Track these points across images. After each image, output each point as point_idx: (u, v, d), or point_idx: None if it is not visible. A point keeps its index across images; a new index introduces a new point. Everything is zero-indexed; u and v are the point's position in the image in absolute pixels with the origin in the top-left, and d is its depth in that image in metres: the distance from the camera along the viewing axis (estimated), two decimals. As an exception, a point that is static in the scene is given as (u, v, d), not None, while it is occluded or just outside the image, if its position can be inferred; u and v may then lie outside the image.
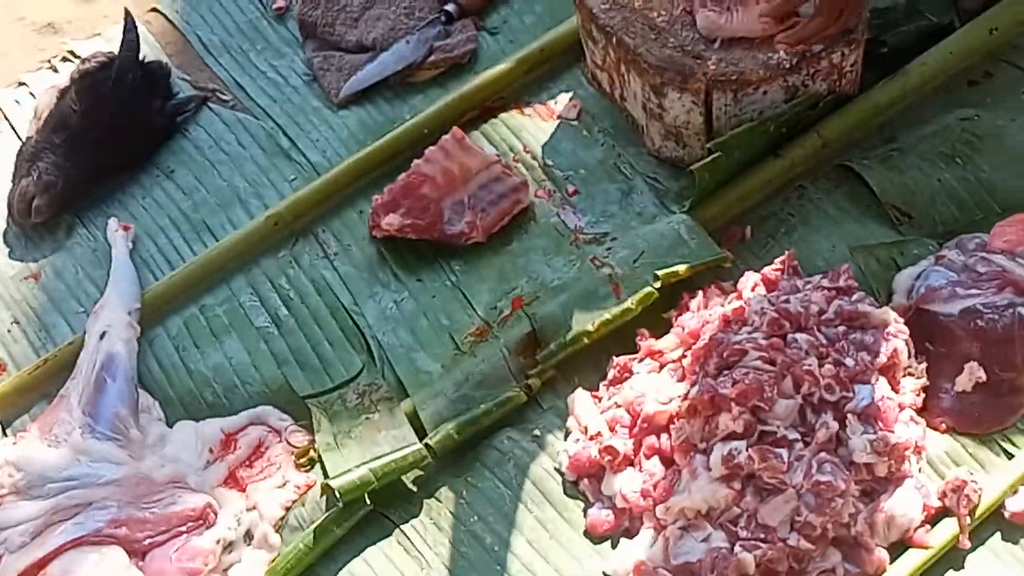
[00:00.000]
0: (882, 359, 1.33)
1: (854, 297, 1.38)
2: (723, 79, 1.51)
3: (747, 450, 1.27)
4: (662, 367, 1.40)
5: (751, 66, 1.51)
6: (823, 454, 1.27)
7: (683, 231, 1.52)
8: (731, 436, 1.28)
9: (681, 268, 1.47)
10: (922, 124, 1.62)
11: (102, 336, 1.50)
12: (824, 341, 1.34)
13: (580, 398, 1.42)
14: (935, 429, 1.35)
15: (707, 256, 1.48)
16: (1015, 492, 1.30)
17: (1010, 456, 1.33)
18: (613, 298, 1.48)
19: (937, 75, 1.65)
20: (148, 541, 1.35)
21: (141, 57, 1.80)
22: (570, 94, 1.74)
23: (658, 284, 1.47)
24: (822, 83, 1.55)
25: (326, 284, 1.60)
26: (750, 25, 1.50)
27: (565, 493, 1.37)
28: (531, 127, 1.72)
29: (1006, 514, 1.29)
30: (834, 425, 1.29)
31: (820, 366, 1.31)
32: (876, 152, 1.60)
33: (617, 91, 1.65)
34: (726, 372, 1.32)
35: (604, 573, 1.31)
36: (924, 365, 1.37)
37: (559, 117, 1.72)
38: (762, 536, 1.25)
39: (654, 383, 1.37)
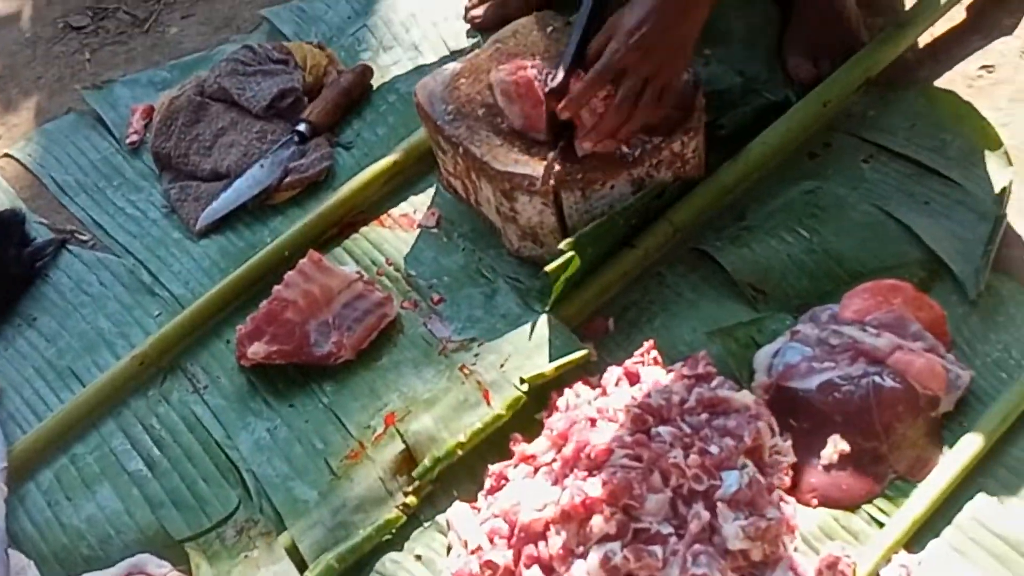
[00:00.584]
0: (746, 442, 1.35)
1: (714, 383, 1.41)
2: (568, 179, 1.54)
3: (622, 551, 1.28)
4: (536, 471, 1.41)
5: (595, 163, 1.54)
6: (697, 546, 1.28)
7: (546, 330, 1.54)
8: (606, 538, 1.29)
9: (547, 369, 1.48)
10: (769, 200, 1.66)
11: (-33, 498, 1.46)
12: (688, 431, 1.36)
13: (459, 511, 1.42)
14: (806, 505, 1.37)
15: (571, 353, 1.50)
16: (888, 561, 1.32)
17: (880, 525, 1.35)
18: (484, 405, 1.49)
19: (778, 151, 1.69)
20: None
21: (-8, 205, 1.78)
22: (428, 202, 1.76)
23: (525, 387, 1.48)
24: (667, 171, 1.59)
25: (197, 420, 1.59)
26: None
27: (451, 611, 1.37)
28: (392, 239, 1.73)
29: (882, 583, 1.31)
30: (705, 515, 1.30)
31: (686, 457, 1.33)
32: (727, 232, 1.64)
33: (472, 196, 1.67)
34: (595, 472, 1.33)
35: None
36: (789, 443, 1.39)
37: (419, 226, 1.74)
38: (646, 636, 1.26)
39: (529, 489, 1.38)
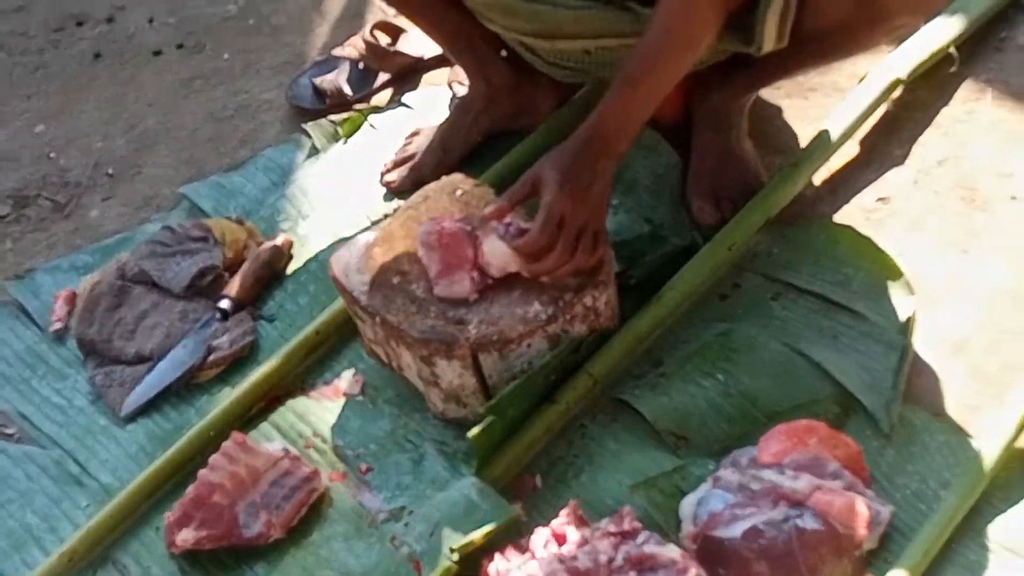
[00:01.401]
0: (675, 598, 1.37)
1: (639, 539, 1.42)
2: (485, 341, 1.57)
3: None
4: (471, 643, 1.41)
5: (510, 323, 1.57)
6: None
7: (474, 495, 1.54)
8: None
9: (476, 536, 1.49)
10: (683, 345, 1.70)
11: None
12: (616, 590, 1.37)
13: None
14: (740, 656, 1.39)
15: (500, 518, 1.51)
16: None
17: (813, 668, 1.36)
18: (416, 577, 1.49)
19: (689, 296, 1.74)
20: None
21: (-86, 408, 1.77)
22: (352, 370, 1.78)
23: (456, 556, 1.48)
24: (581, 325, 1.63)
25: (130, 614, 1.57)
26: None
27: None
28: (318, 410, 1.74)
29: None
30: (639, 676, 1.31)
31: (615, 618, 1.34)
32: (646, 379, 1.67)
33: (394, 362, 1.70)
34: (528, 641, 1.33)
35: None
36: (719, 594, 1.41)
37: (344, 394, 1.75)
38: None
39: (464, 663, 1.38)
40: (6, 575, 1.65)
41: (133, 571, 1.62)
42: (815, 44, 1.69)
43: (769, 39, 1.64)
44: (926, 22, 1.66)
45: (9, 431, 1.83)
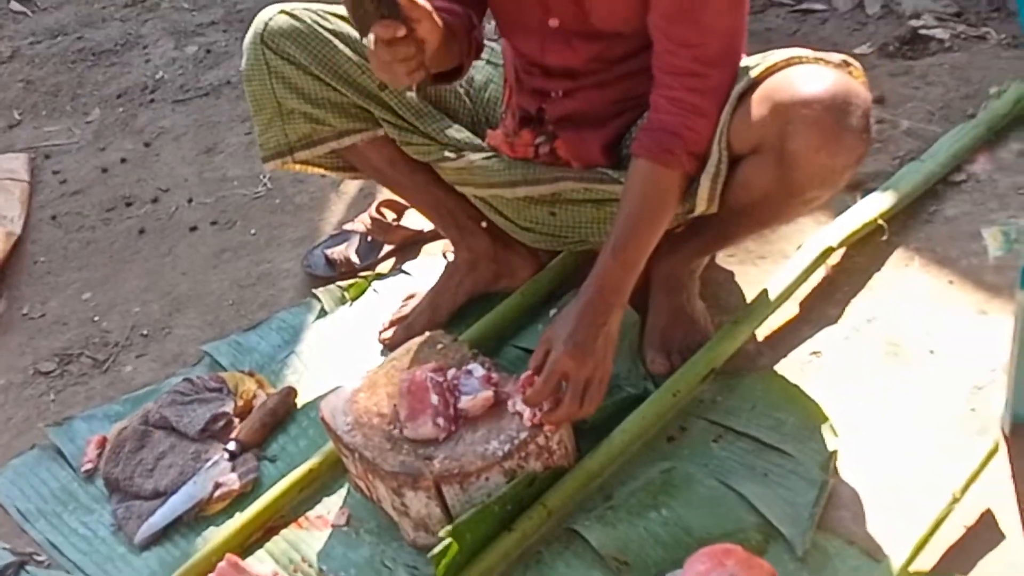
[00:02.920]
0: None
1: (573, 646, 1.61)
2: (447, 475, 1.79)
3: None
4: None
5: (470, 459, 1.80)
6: None
7: (438, 616, 1.75)
8: None
9: (437, 650, 1.68)
10: (631, 480, 1.91)
11: None
12: None
13: None
14: None
15: (457, 632, 1.70)
16: None
17: None
18: None
19: (638, 437, 1.95)
20: None
21: (-42, 536, 2.02)
22: (340, 503, 2.00)
23: (417, 667, 1.67)
24: (535, 462, 1.84)
25: None
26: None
27: None
28: (307, 539, 1.96)
29: None
30: None
31: None
32: (595, 512, 1.87)
33: (373, 494, 1.92)
34: None
35: None
36: None
37: (332, 525, 1.97)
38: None
39: None
40: None
41: None
42: (745, 215, 1.94)
43: (702, 201, 1.90)
44: (832, 194, 1.90)
45: (40, 558, 2.06)
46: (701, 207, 1.93)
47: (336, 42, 2.06)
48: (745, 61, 1.88)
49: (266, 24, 2.05)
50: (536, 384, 1.82)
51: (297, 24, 2.05)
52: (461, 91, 2.19)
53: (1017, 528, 1.71)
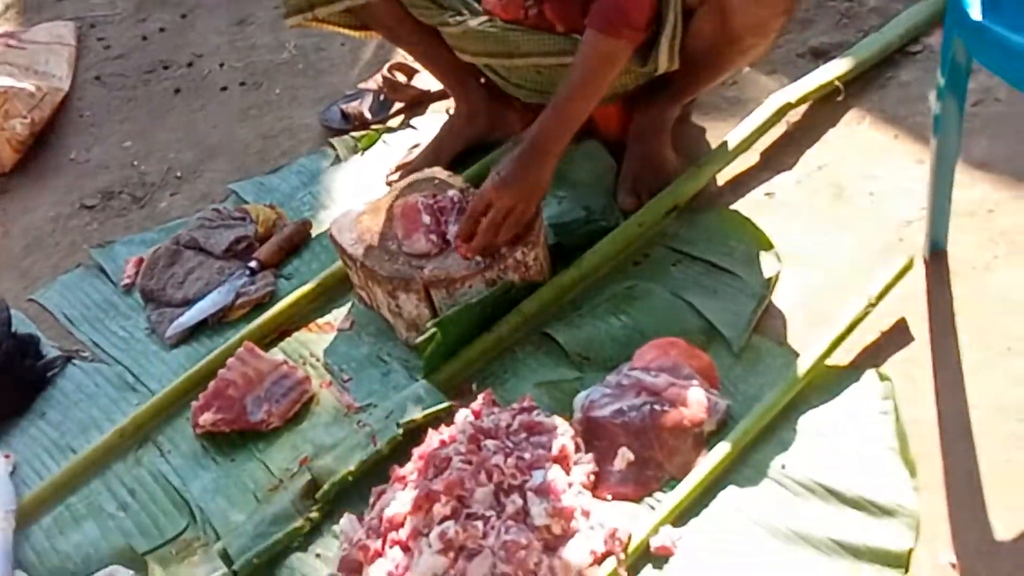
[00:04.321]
0: (554, 452, 1.83)
1: (534, 413, 1.90)
2: (435, 280, 2.07)
3: (455, 527, 1.74)
4: (405, 486, 1.88)
5: (456, 268, 2.08)
6: (510, 522, 1.75)
7: (422, 391, 2.03)
8: (444, 519, 1.76)
9: (418, 416, 1.98)
10: (598, 295, 2.18)
11: (-17, 529, 1.96)
12: (510, 445, 1.84)
13: (347, 520, 1.89)
14: (602, 499, 1.84)
15: (437, 404, 1.99)
16: (656, 532, 1.77)
17: (652, 508, 1.81)
18: (372, 446, 1.97)
19: (606, 260, 2.22)
20: (20, 671, 1.77)
21: (13, 330, 2.33)
22: (345, 311, 2.29)
23: (401, 431, 1.97)
24: (513, 274, 2.12)
25: (161, 474, 2.08)
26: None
27: (338, 588, 1.82)
28: (316, 340, 2.25)
29: (652, 549, 1.76)
30: (519, 501, 1.77)
31: (505, 460, 1.81)
32: (565, 318, 2.15)
33: (372, 302, 2.21)
34: (440, 476, 1.81)
35: (365, 638, 1.74)
36: (591, 456, 1.87)
37: (337, 329, 2.26)
38: (470, 588, 1.71)
39: (397, 496, 1.85)
40: (75, 450, 2.18)
41: (166, 446, 2.13)
42: (699, 66, 2.20)
43: (663, 61, 2.15)
44: (773, 42, 2.15)
45: (84, 354, 2.37)
46: (664, 65, 2.18)
47: (355, -93, 2.30)
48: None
49: None
50: (464, 217, 2.08)
51: None
52: (463, -45, 2.44)
53: (925, 334, 1.97)
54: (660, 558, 1.75)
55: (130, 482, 2.09)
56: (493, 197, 2.06)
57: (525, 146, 2.10)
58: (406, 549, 1.78)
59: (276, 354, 2.23)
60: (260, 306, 2.35)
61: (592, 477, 1.86)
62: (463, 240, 2.09)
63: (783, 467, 1.82)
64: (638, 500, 1.84)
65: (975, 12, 1.68)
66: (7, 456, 2.16)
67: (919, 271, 2.06)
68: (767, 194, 2.32)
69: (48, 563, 1.99)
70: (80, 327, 2.44)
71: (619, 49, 2.09)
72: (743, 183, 2.36)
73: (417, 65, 2.75)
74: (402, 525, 1.81)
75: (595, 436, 1.90)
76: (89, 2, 3.56)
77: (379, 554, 1.80)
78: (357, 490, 1.94)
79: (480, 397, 1.95)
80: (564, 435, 1.86)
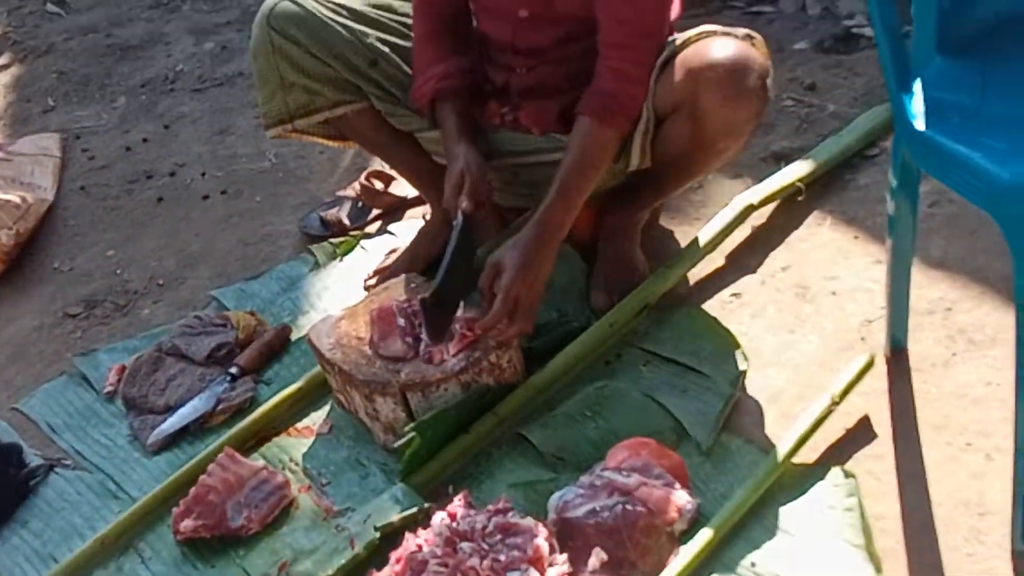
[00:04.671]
0: (529, 553, 1.86)
1: (509, 514, 1.93)
2: (411, 383, 2.13)
3: (431, 629, 1.77)
4: (383, 590, 1.91)
5: (431, 371, 2.14)
6: (486, 623, 1.78)
7: (399, 494, 2.07)
8: (421, 622, 1.79)
9: (395, 519, 2.01)
10: (571, 395, 2.23)
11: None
12: (485, 547, 1.88)
13: (326, 625, 1.92)
14: (577, 600, 1.87)
15: (414, 507, 2.03)
16: (631, 631, 1.80)
17: (627, 607, 1.85)
18: (350, 549, 2.01)
19: (579, 360, 2.28)
20: None
21: (-1, 440, 2.37)
22: (323, 415, 2.34)
23: (378, 534, 2.00)
24: (488, 377, 2.18)
25: (142, 581, 2.11)
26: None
27: None
28: (296, 444, 2.29)
29: (627, 648, 1.79)
30: (495, 603, 1.81)
31: (481, 562, 1.84)
32: (540, 419, 2.19)
33: (350, 406, 2.26)
34: (416, 578, 1.84)
35: None
36: (565, 556, 1.90)
37: (316, 433, 2.31)
38: None
39: (374, 600, 1.88)
40: (56, 559, 2.20)
41: (147, 553, 2.16)
42: (672, 167, 2.28)
43: (635, 156, 2.25)
44: (744, 144, 2.24)
45: (67, 462, 2.40)
46: (635, 162, 2.28)
47: (333, 24, 2.39)
48: (670, 37, 2.22)
49: (272, 8, 2.39)
50: (495, 308, 2.13)
51: (299, 9, 2.39)
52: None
53: (888, 430, 2.03)
54: (636, 658, 1.78)
55: (110, 589, 2.11)
56: (522, 290, 2.13)
57: (531, 234, 2.16)
58: (383, 652, 1.81)
59: (256, 459, 2.27)
60: (241, 411, 2.39)
61: (566, 577, 1.89)
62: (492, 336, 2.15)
63: (753, 564, 1.86)
64: (612, 599, 1.87)
65: (919, 123, 1.77)
66: (-12, 565, 2.18)
67: (880, 368, 2.13)
68: (733, 295, 2.39)
69: (28, 673, 2.00)
70: (63, 435, 2.47)
71: (611, 137, 2.19)
72: (710, 284, 2.44)
73: (394, 173, 2.83)
74: (379, 628, 1.83)
75: (569, 537, 1.94)
76: (74, 114, 3.65)
77: (357, 658, 1.83)
78: (335, 591, 1.97)
79: (456, 499, 1.99)
80: (539, 536, 1.90)
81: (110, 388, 2.53)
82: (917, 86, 1.81)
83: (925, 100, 1.78)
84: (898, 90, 1.78)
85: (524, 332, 2.17)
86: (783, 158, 2.69)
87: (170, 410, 2.41)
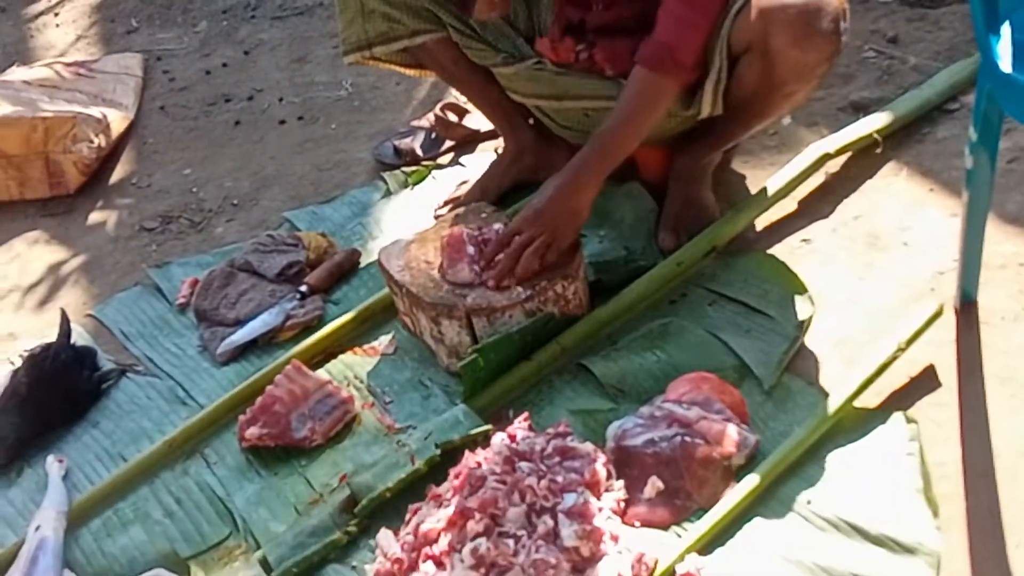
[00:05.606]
0: (586, 476, 1.89)
1: (568, 439, 1.96)
2: (477, 308, 2.15)
3: (487, 544, 1.81)
4: (440, 504, 1.95)
5: (497, 298, 2.16)
6: (541, 542, 1.81)
7: (460, 415, 2.10)
8: (476, 536, 1.82)
9: (456, 438, 2.05)
10: (634, 330, 2.24)
11: (37, 528, 2.04)
12: (544, 468, 1.91)
13: (384, 535, 1.95)
14: (631, 526, 1.89)
15: (475, 428, 2.06)
16: (683, 560, 1.82)
17: (680, 536, 1.86)
18: (410, 465, 2.04)
19: (644, 297, 2.29)
20: (67, 662, 1.84)
21: (72, 342, 2.43)
22: (389, 336, 2.37)
23: (439, 451, 2.04)
24: (553, 306, 2.19)
25: (207, 484, 2.16)
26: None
27: (372, 601, 1.89)
28: (361, 363, 2.33)
29: None
30: (550, 522, 1.83)
31: (538, 482, 1.87)
32: (602, 351, 2.21)
33: (416, 328, 2.29)
34: (475, 494, 1.87)
35: (395, 648, 1.81)
36: (622, 483, 1.93)
37: (381, 353, 2.34)
38: (500, 604, 1.77)
39: (432, 513, 1.92)
40: (125, 458, 2.26)
41: (213, 458, 2.21)
42: (742, 111, 2.27)
43: (707, 105, 2.24)
44: (815, 88, 2.23)
45: (138, 368, 2.47)
46: (707, 110, 2.27)
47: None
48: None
49: (355, -64, 2.41)
50: (512, 244, 2.17)
51: (380, -65, 2.41)
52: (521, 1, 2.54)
53: (953, 381, 2.02)
54: (685, 585, 1.80)
55: (177, 491, 2.17)
56: (525, 225, 2.15)
57: (565, 175, 2.19)
58: (439, 564, 1.85)
59: (322, 374, 2.31)
60: (308, 329, 2.43)
61: (622, 503, 1.91)
62: (499, 270, 2.16)
63: (809, 503, 1.87)
64: (666, 528, 1.89)
65: (1005, 64, 1.75)
66: (61, 460, 2.25)
67: (949, 319, 2.11)
68: (803, 240, 2.38)
69: (95, 564, 2.07)
70: (135, 343, 2.53)
71: (666, 87, 2.17)
72: (780, 229, 2.43)
73: (469, 105, 2.85)
74: (436, 541, 1.87)
75: (626, 465, 1.96)
76: (156, 36, 3.70)
77: (413, 568, 1.87)
78: (394, 507, 2.01)
79: (516, 422, 2.02)
80: (597, 461, 1.92)
81: (182, 300, 2.59)
82: (1005, 28, 1.78)
83: (1013, 43, 1.76)
84: (986, 31, 1.76)
85: (525, 273, 2.17)
86: (861, 109, 2.66)
87: (239, 323, 2.46)
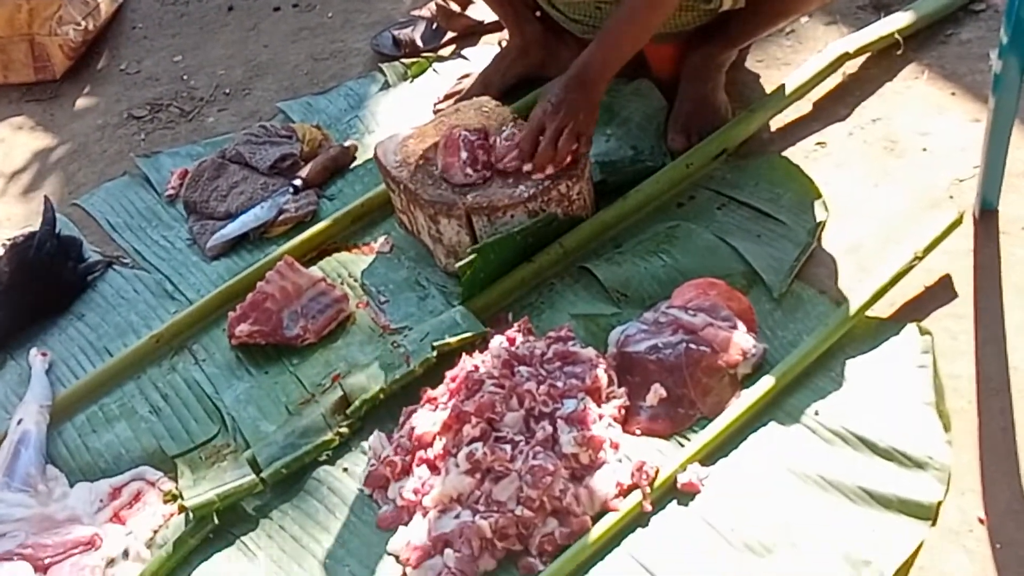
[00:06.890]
0: (587, 382, 1.82)
1: (569, 343, 1.89)
2: (477, 207, 2.06)
3: (483, 449, 1.75)
4: (436, 407, 1.89)
5: (499, 196, 2.07)
6: (539, 448, 1.75)
7: (458, 317, 2.03)
8: (472, 440, 1.76)
9: (452, 340, 1.98)
10: (639, 233, 2.16)
11: (19, 422, 1.98)
12: (543, 373, 1.84)
13: (377, 436, 1.90)
14: (631, 434, 1.83)
15: (473, 330, 1.99)
16: (684, 469, 1.76)
17: (682, 445, 1.80)
18: (405, 366, 1.98)
19: (651, 199, 2.20)
20: (48, 560, 1.78)
21: (57, 232, 2.35)
22: (385, 235, 2.29)
23: (435, 353, 1.97)
24: (556, 207, 2.11)
25: (195, 381, 2.09)
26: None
27: (364, 503, 1.83)
28: (356, 261, 2.25)
29: (678, 485, 1.75)
30: (549, 428, 1.77)
31: (538, 387, 1.81)
32: (605, 255, 2.13)
33: (413, 227, 2.21)
34: (471, 397, 1.81)
35: (388, 552, 1.75)
36: (624, 390, 1.86)
37: (376, 252, 2.26)
38: (496, 509, 1.71)
39: (427, 416, 1.86)
40: (111, 352, 2.19)
41: (201, 355, 2.14)
42: (764, 6, 2.16)
43: (728, -1, 2.13)
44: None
45: (125, 260, 2.39)
46: (728, 2, 2.15)
47: None
48: None
49: None
50: (522, 135, 2.08)
51: None
52: None
53: (969, 291, 1.95)
54: (686, 494, 1.74)
55: (164, 387, 2.10)
56: (548, 118, 2.06)
57: (572, 73, 2.09)
58: (433, 468, 1.79)
59: (315, 272, 2.23)
60: (302, 224, 2.35)
61: (623, 411, 1.85)
62: (523, 159, 2.07)
63: (816, 414, 1.81)
64: (668, 437, 1.83)
65: (1047, -39, 1.64)
66: (44, 354, 2.18)
67: (968, 228, 2.03)
68: (819, 144, 2.29)
69: (79, 459, 2.01)
70: (122, 234, 2.45)
71: None
72: (795, 131, 2.33)
73: (474, -5, 2.73)
74: (431, 444, 1.81)
75: (629, 371, 1.89)
76: (147, -85, 3.54)
77: (406, 471, 1.82)
78: (387, 409, 1.95)
79: (516, 325, 1.95)
80: (598, 367, 1.85)
81: (171, 191, 2.50)
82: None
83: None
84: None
85: (561, 161, 2.07)
86: (883, 7, 2.54)
87: (231, 217, 2.37)
